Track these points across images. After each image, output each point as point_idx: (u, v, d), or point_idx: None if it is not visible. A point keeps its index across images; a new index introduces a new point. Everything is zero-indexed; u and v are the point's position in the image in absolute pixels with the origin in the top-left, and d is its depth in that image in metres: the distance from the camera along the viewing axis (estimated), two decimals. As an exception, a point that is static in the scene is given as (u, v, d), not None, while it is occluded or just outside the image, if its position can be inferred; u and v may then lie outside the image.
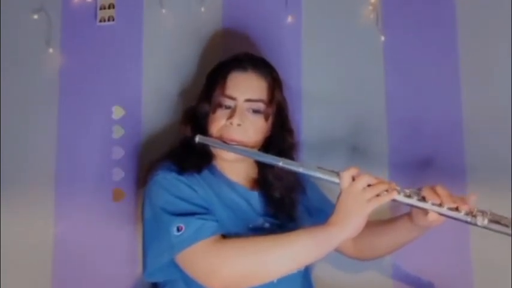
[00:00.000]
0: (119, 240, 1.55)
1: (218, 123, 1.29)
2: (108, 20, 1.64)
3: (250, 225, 1.28)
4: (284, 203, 1.34)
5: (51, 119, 1.62)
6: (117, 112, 1.61)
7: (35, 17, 1.64)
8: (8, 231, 1.57)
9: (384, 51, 1.59)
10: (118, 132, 1.60)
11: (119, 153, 1.59)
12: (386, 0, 1.60)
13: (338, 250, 1.37)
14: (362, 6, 1.60)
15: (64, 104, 1.63)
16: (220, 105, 1.30)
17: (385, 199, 1.12)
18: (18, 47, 1.65)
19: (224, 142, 1.27)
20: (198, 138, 1.27)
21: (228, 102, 1.30)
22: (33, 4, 1.64)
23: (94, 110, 1.62)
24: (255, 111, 1.30)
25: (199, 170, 1.30)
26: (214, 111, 1.31)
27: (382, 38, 1.58)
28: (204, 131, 1.31)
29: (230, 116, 1.28)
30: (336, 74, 1.61)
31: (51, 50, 1.63)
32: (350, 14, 1.61)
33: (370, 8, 1.59)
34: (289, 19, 1.61)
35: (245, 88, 1.30)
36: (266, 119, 1.31)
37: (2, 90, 1.63)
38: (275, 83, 1.35)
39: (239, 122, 1.27)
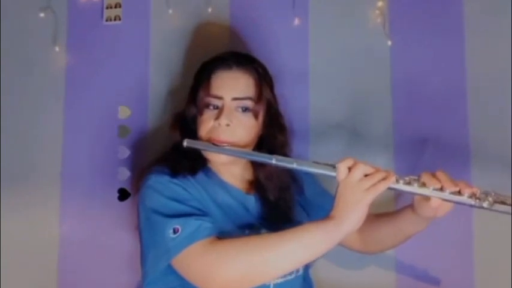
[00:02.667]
0: (123, 239, 1.55)
1: (206, 124, 1.26)
2: (115, 20, 1.64)
3: (247, 231, 1.24)
4: (279, 205, 1.31)
5: (57, 117, 1.62)
6: (123, 112, 1.61)
7: (42, 15, 1.64)
8: (13, 230, 1.58)
9: (390, 55, 1.59)
10: (124, 132, 1.60)
11: (124, 152, 1.60)
12: (393, 4, 1.60)
13: (343, 244, 1.35)
14: (369, 10, 1.60)
15: (70, 103, 1.63)
16: (207, 106, 1.27)
17: (383, 187, 1.08)
18: (25, 45, 1.65)
19: (213, 144, 1.24)
20: (186, 143, 1.23)
21: (215, 102, 1.26)
22: (40, 2, 1.64)
23: (100, 109, 1.62)
24: (244, 110, 1.27)
25: (193, 173, 1.27)
26: (201, 113, 1.27)
27: (389, 42, 1.58)
28: (194, 134, 1.28)
29: (218, 117, 1.24)
30: (342, 76, 1.61)
31: (57, 49, 1.64)
32: (357, 18, 1.60)
33: (377, 12, 1.59)
34: (296, 21, 1.61)
35: (231, 86, 1.27)
36: (256, 116, 1.28)
37: (8, 88, 1.64)
38: (262, 79, 1.31)
39: (227, 122, 1.24)
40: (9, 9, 1.66)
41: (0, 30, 1.65)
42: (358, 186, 1.09)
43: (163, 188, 1.21)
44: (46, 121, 1.63)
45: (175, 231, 1.14)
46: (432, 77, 1.58)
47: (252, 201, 1.31)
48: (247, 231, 1.24)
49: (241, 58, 1.32)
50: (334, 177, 1.12)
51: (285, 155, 1.31)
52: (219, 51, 1.41)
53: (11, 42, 1.65)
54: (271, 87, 1.36)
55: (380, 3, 1.59)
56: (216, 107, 1.27)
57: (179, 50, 1.63)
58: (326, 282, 1.52)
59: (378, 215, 1.33)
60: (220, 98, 1.26)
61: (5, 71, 1.64)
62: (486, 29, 1.58)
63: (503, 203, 1.07)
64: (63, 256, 1.57)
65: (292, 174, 1.34)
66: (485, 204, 1.07)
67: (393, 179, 1.10)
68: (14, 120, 1.62)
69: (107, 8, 1.65)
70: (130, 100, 1.62)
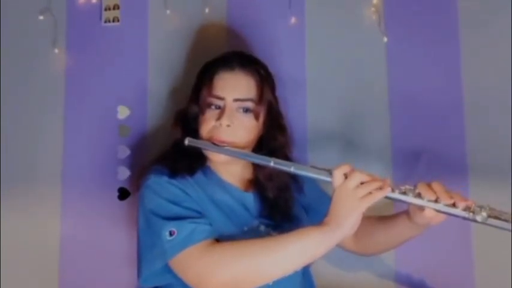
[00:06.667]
0: (124, 238, 1.56)
1: (208, 124, 1.27)
2: (113, 21, 1.66)
3: (245, 228, 1.26)
4: (278, 204, 1.32)
5: (57, 118, 1.63)
6: (122, 112, 1.62)
7: (41, 17, 1.65)
8: (14, 230, 1.59)
9: (386, 52, 1.60)
10: (124, 132, 1.62)
11: (124, 152, 1.61)
12: (388, 1, 1.61)
13: (339, 246, 1.34)
14: (364, 7, 1.61)
15: (70, 104, 1.64)
16: (209, 106, 1.28)
17: (378, 196, 1.09)
18: (24, 47, 1.66)
19: (214, 144, 1.25)
20: (187, 141, 1.25)
21: (217, 102, 1.28)
22: (39, 5, 1.65)
23: (100, 110, 1.63)
24: (245, 111, 1.28)
25: (192, 173, 1.28)
26: (203, 112, 1.29)
27: (385, 39, 1.60)
28: (195, 133, 1.30)
29: (219, 117, 1.26)
30: (339, 74, 1.62)
31: (56, 51, 1.65)
32: (353, 15, 1.62)
33: (373, 9, 1.60)
34: (293, 20, 1.62)
35: (233, 87, 1.28)
36: (256, 118, 1.29)
37: (8, 90, 1.65)
38: (264, 81, 1.32)
39: (228, 123, 1.25)
40: (8, 11, 1.67)
41: (0, 33, 1.66)
42: (353, 193, 1.09)
43: (161, 189, 1.23)
44: (46, 122, 1.64)
45: (171, 233, 1.16)
46: (428, 75, 1.59)
47: (250, 199, 1.32)
48: (245, 228, 1.26)
49: (243, 59, 1.34)
50: (330, 183, 1.13)
51: (285, 155, 1.33)
52: (216, 51, 1.42)
53: (10, 45, 1.66)
54: (272, 88, 1.37)
55: (375, 1, 1.60)
56: (218, 107, 1.28)
57: (177, 50, 1.64)
58: (325, 284, 1.53)
59: (374, 218, 1.34)
60: (222, 98, 1.27)
61: (5, 73, 1.65)
62: (482, 28, 1.59)
63: (497, 217, 1.07)
64: (63, 255, 1.58)
65: (292, 174, 1.34)
66: (479, 218, 1.07)
67: (389, 189, 1.10)
68: (15, 122, 1.63)
69: (106, 9, 1.66)
70: (129, 100, 1.63)
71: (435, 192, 1.10)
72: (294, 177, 1.37)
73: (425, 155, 1.56)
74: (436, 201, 1.10)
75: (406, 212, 1.23)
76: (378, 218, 1.35)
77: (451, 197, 1.10)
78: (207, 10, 1.63)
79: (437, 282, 1.53)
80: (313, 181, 1.41)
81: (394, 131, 1.59)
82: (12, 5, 1.67)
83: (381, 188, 1.10)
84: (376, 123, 1.60)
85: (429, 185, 1.12)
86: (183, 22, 1.65)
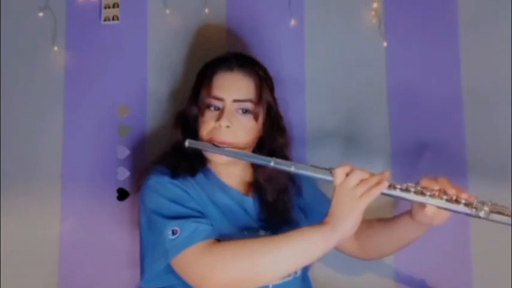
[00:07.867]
0: (123, 239, 1.58)
1: (207, 125, 1.27)
2: (113, 19, 1.65)
3: (245, 232, 1.26)
4: (278, 207, 1.33)
5: (57, 117, 1.63)
6: (122, 112, 1.63)
7: (40, 15, 1.64)
8: (14, 230, 1.60)
9: (386, 53, 1.60)
10: (123, 132, 1.62)
11: (123, 152, 1.61)
12: (388, 5, 1.61)
13: (342, 250, 1.37)
14: (364, 11, 1.61)
15: (69, 103, 1.64)
16: (208, 107, 1.28)
17: (376, 192, 1.09)
18: (24, 45, 1.66)
19: (214, 145, 1.25)
20: (187, 143, 1.25)
21: (216, 103, 1.28)
22: (39, 2, 1.65)
23: (99, 109, 1.63)
24: (244, 112, 1.28)
25: (193, 174, 1.29)
26: (202, 114, 1.29)
27: (385, 44, 1.59)
28: (195, 134, 1.30)
29: (218, 118, 1.26)
30: (338, 75, 1.62)
31: (56, 48, 1.64)
32: (352, 19, 1.61)
33: (373, 13, 1.60)
34: (293, 22, 1.62)
35: (232, 88, 1.28)
36: (256, 118, 1.29)
37: (7, 88, 1.65)
38: (263, 81, 1.32)
39: (228, 124, 1.25)
40: (8, 9, 1.66)
41: (0, 30, 1.65)
42: (352, 192, 1.10)
43: (163, 189, 1.23)
44: (46, 121, 1.64)
45: (174, 232, 1.16)
46: (427, 78, 1.59)
47: (250, 203, 1.33)
48: (245, 233, 1.26)
49: (242, 60, 1.34)
50: (331, 182, 1.13)
51: (284, 156, 1.32)
52: (215, 51, 1.42)
53: (10, 42, 1.66)
54: (271, 89, 1.37)
55: (375, 5, 1.59)
56: (217, 108, 1.28)
57: (177, 50, 1.64)
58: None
59: (376, 221, 1.34)
60: (221, 99, 1.28)
61: (4, 71, 1.65)
62: (482, 28, 1.59)
63: (500, 213, 1.07)
64: (63, 256, 1.59)
65: (291, 177, 1.35)
66: (481, 214, 1.07)
67: (386, 183, 1.10)
68: (14, 120, 1.63)
69: (105, 7, 1.66)
70: (129, 100, 1.63)
71: (438, 188, 1.11)
72: (293, 180, 1.38)
73: (424, 154, 1.57)
74: (438, 196, 1.09)
75: (409, 212, 1.23)
76: (380, 219, 1.35)
77: (454, 192, 1.10)
78: (207, 10, 1.63)
79: (437, 281, 1.54)
80: (312, 183, 1.44)
81: (393, 131, 1.60)
82: (11, 2, 1.66)
83: (378, 183, 1.10)
84: (375, 124, 1.60)
85: (433, 180, 1.13)
86: (183, 22, 1.65)
